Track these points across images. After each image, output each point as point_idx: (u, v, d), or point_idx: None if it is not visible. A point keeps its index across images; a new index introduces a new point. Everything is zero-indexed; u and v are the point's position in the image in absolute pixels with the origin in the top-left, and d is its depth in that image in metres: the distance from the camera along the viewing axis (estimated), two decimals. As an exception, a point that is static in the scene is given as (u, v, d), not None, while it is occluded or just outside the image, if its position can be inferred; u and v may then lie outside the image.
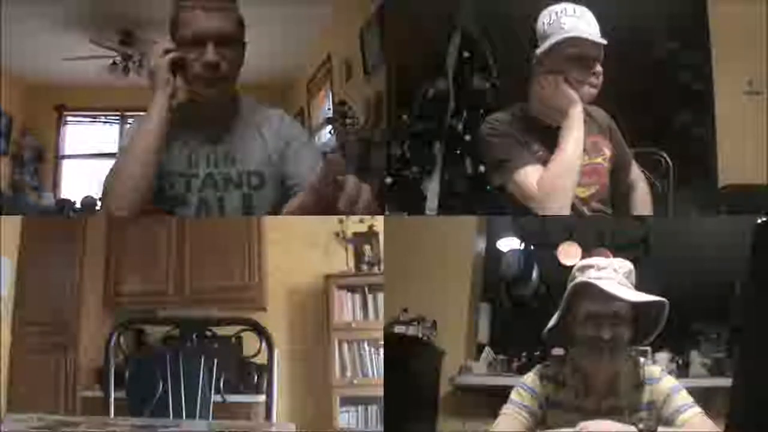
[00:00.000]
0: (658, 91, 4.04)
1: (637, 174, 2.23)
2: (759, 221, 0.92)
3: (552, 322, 1.61)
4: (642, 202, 2.21)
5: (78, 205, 6.59)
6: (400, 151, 4.04)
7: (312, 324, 3.80)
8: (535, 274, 4.09)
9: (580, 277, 1.58)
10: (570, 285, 1.59)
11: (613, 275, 1.56)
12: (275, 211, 1.86)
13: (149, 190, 1.74)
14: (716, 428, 1.46)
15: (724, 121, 4.00)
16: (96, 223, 3.93)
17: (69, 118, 8.17)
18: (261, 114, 1.92)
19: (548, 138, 1.89)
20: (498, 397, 1.68)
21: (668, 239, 3.84)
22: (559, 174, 1.81)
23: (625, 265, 1.60)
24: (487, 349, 3.54)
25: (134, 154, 1.73)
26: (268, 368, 1.97)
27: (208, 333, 2.06)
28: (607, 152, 2.04)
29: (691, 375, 3.20)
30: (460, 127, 3.98)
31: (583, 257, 4.08)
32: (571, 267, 1.65)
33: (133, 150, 1.73)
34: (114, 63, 6.59)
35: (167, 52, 1.75)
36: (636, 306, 1.55)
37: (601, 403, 1.56)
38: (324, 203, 1.04)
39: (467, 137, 3.90)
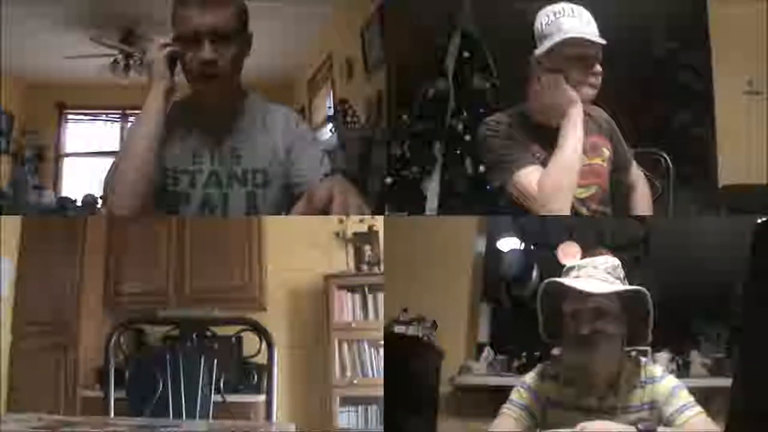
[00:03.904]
0: (658, 91, 4.04)
1: (637, 174, 2.23)
2: (759, 221, 0.91)
3: (540, 326, 1.65)
4: (642, 202, 2.21)
5: (79, 204, 6.58)
6: (400, 151, 4.04)
7: (312, 324, 3.80)
8: (535, 274, 4.07)
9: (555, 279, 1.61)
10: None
11: (592, 272, 1.58)
12: (279, 210, 1.86)
13: (149, 187, 1.72)
14: (716, 428, 1.46)
15: (724, 121, 4.00)
16: (96, 223, 3.94)
17: (70, 117, 8.15)
18: (267, 111, 1.90)
19: (548, 138, 1.88)
20: (498, 397, 1.68)
21: (668, 239, 3.83)
22: (559, 174, 1.81)
23: (607, 261, 1.62)
24: (487, 349, 3.53)
25: (132, 152, 1.71)
26: (268, 368, 1.97)
27: (208, 333, 2.05)
28: (607, 153, 2.03)
29: (691, 375, 3.19)
30: (460, 127, 3.98)
31: (583, 257, 4.10)
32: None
33: (131, 147, 1.72)
34: (115, 61, 6.57)
35: (164, 46, 1.75)
36: (621, 300, 1.56)
37: (602, 402, 1.56)
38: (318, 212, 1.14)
39: (467, 137, 3.90)
